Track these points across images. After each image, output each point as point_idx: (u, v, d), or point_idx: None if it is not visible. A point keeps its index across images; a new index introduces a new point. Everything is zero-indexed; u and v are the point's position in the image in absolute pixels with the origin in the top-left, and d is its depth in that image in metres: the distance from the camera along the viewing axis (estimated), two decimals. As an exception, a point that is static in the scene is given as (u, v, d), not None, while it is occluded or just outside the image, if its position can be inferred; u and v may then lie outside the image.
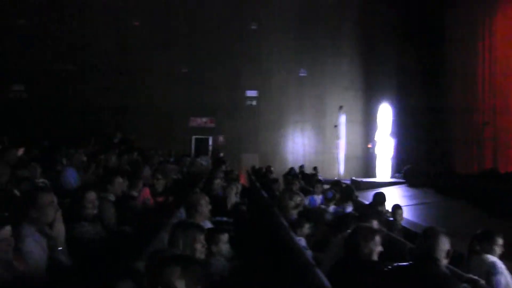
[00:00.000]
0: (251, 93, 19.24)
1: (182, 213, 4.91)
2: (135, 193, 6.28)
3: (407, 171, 17.16)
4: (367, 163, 19.60)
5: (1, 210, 3.57)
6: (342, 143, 19.33)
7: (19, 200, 4.20)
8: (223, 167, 10.94)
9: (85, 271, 3.43)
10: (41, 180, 6.14)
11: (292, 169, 15.11)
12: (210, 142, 18.98)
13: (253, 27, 19.05)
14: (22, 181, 5.46)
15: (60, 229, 3.39)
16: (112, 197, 5.23)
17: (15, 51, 16.51)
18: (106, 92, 16.97)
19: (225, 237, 4.06)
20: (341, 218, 5.27)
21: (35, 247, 3.24)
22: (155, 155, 11.35)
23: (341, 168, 19.01)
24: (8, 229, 2.84)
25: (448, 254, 3.36)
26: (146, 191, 6.51)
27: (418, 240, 3.53)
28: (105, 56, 17.05)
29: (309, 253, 4.58)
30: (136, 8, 17.47)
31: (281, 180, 11.72)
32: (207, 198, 4.61)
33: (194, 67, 17.97)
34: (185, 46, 17.85)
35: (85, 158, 7.61)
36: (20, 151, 7.92)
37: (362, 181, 16.78)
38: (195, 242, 3.39)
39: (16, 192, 5.22)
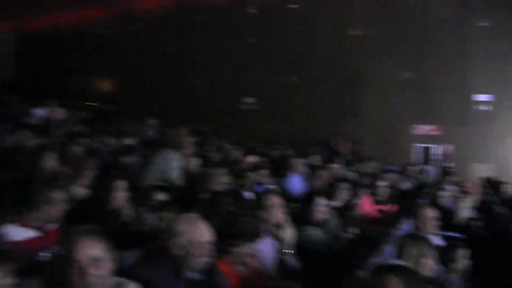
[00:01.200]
0: (484, 97, 17.42)
1: (406, 225, 4.67)
2: (357, 201, 6.30)
3: None
4: None
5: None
6: None
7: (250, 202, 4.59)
8: (452, 178, 10.10)
9: (311, 274, 3.52)
10: (270, 185, 6.60)
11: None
12: (435, 151, 17.82)
13: (483, 23, 17.25)
14: (253, 185, 5.97)
15: (290, 232, 3.56)
16: (337, 204, 5.37)
17: (247, 67, 18.24)
18: (326, 100, 17.40)
19: (462, 253, 3.74)
20: None
21: (266, 247, 3.48)
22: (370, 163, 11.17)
23: None
24: None
25: None
26: (368, 200, 6.43)
27: None
28: (328, 66, 17.52)
29: None
30: (357, 18, 17.55)
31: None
32: (434, 211, 4.29)
33: (419, 72, 17.09)
34: (408, 51, 17.14)
35: (307, 165, 7.87)
36: (251, 159, 8.70)
37: None
38: (424, 257, 3.17)
39: (249, 194, 5.76)
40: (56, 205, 3.11)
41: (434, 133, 17.83)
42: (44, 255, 2.76)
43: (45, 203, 3.05)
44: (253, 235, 3.14)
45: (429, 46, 17.16)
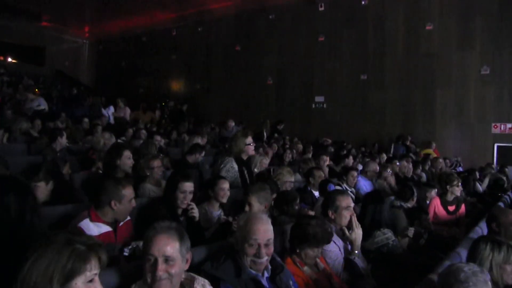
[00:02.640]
0: None
1: (482, 228, 4.43)
2: (428, 202, 6.12)
3: None
4: None
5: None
6: None
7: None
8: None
9: (381, 276, 3.43)
10: (340, 185, 6.51)
11: None
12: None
13: None
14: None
15: (358, 233, 3.49)
16: (406, 205, 5.22)
17: (318, 66, 17.99)
18: (395, 97, 16.79)
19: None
20: None
21: (334, 247, 3.43)
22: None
23: None
24: None
25: None
26: (436, 200, 6.20)
27: None
28: (397, 62, 16.91)
29: None
30: (428, 13, 16.78)
31: None
32: (513, 215, 4.00)
33: (497, 67, 15.98)
34: (485, 45, 16.11)
35: (376, 166, 7.64)
36: (322, 157, 8.65)
37: None
38: (502, 264, 2.95)
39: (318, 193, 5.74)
40: (126, 201, 3.22)
41: (514, 131, 16.64)
42: (121, 249, 2.88)
43: (115, 200, 3.18)
44: (322, 240, 3.09)
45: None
